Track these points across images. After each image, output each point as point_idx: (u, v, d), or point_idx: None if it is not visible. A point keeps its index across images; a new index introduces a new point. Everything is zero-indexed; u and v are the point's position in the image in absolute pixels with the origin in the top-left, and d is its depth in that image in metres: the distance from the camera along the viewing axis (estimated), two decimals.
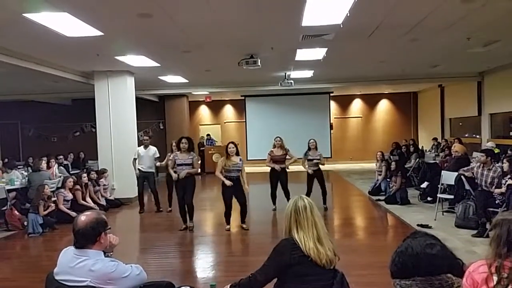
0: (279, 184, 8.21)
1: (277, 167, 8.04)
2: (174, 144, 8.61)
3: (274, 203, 8.38)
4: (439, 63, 10.56)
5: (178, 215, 7.28)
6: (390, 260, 1.67)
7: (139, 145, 9.57)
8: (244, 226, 7.06)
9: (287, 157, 8.20)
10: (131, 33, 6.63)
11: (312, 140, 8.39)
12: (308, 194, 8.10)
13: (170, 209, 8.90)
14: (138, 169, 8.89)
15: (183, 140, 7.02)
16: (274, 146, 8.17)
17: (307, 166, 8.29)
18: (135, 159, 8.96)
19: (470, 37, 7.43)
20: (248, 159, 15.04)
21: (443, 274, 1.56)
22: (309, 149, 8.32)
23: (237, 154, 6.93)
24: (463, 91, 13.64)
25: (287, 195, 7.90)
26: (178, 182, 7.01)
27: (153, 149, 9.03)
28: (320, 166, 8.34)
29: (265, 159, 8.34)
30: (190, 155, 7.04)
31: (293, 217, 2.60)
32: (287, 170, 8.21)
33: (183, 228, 7.19)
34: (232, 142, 7.06)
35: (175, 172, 7.00)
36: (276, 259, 2.57)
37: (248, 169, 7.29)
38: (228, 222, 7.10)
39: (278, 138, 8.18)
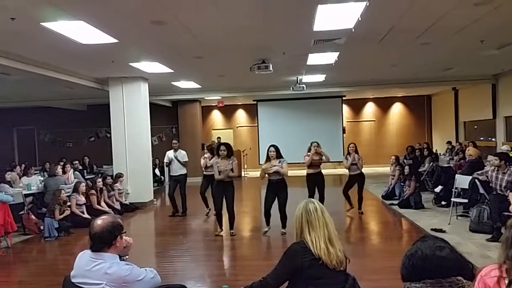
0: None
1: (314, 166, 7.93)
2: (205, 148, 8.72)
3: None
4: (452, 66, 10.47)
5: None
6: (401, 264, 1.69)
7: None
8: (283, 230, 6.92)
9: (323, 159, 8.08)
10: (145, 40, 6.73)
11: (352, 144, 8.51)
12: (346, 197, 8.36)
13: (209, 209, 8.76)
14: (170, 175, 9.03)
15: (222, 147, 6.96)
16: (309, 150, 7.94)
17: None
18: (167, 164, 9.10)
19: (483, 39, 7.37)
20: (260, 163, 15.04)
21: (453, 276, 1.56)
22: (349, 153, 8.36)
23: (278, 157, 6.85)
24: (477, 94, 13.48)
25: (322, 202, 7.54)
26: (218, 186, 6.99)
27: (182, 153, 9.13)
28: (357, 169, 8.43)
29: None
30: (231, 159, 6.97)
31: (304, 218, 2.64)
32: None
33: (219, 233, 7.11)
34: (273, 145, 6.96)
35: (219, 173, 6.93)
36: (287, 263, 2.59)
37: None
38: (267, 223, 7.04)
39: (316, 143, 7.93)
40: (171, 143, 9.43)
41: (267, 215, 6.99)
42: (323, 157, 7.96)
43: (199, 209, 8.96)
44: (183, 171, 9.01)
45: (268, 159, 6.86)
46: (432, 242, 1.64)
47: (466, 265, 1.62)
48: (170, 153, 9.09)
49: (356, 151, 8.43)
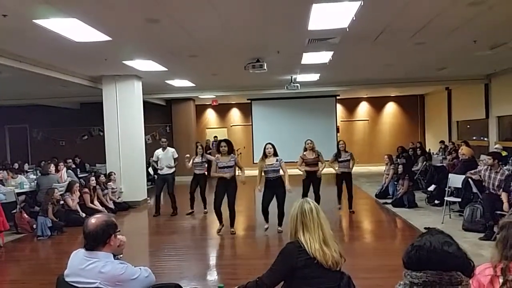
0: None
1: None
2: (200, 146, 8.75)
3: None
4: (445, 66, 10.53)
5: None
6: (405, 251, 1.71)
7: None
8: (279, 228, 6.95)
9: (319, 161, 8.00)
10: (138, 38, 6.70)
11: (342, 142, 8.54)
12: (339, 195, 8.58)
13: (193, 210, 8.93)
14: (158, 173, 8.98)
15: (222, 144, 7.01)
16: (305, 149, 7.95)
17: (337, 168, 8.46)
18: (154, 161, 9.06)
19: (476, 39, 7.42)
20: (254, 162, 15.05)
21: (454, 271, 1.59)
22: (339, 151, 8.38)
23: (275, 154, 6.86)
24: (470, 93, 13.58)
25: (318, 200, 7.58)
26: (220, 183, 6.99)
27: (171, 150, 9.11)
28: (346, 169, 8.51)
29: None
30: (231, 157, 7.02)
31: (299, 219, 2.63)
32: (319, 177, 7.99)
33: (220, 229, 7.12)
34: (270, 143, 7.00)
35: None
36: (282, 262, 2.59)
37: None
38: (266, 221, 7.06)
39: (309, 141, 7.97)
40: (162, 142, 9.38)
41: (265, 213, 7.02)
42: (320, 156, 7.92)
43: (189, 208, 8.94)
44: (171, 170, 8.98)
45: (265, 156, 6.86)
46: (441, 237, 1.67)
47: (469, 264, 1.65)
48: (158, 152, 9.06)
49: (345, 149, 8.43)
